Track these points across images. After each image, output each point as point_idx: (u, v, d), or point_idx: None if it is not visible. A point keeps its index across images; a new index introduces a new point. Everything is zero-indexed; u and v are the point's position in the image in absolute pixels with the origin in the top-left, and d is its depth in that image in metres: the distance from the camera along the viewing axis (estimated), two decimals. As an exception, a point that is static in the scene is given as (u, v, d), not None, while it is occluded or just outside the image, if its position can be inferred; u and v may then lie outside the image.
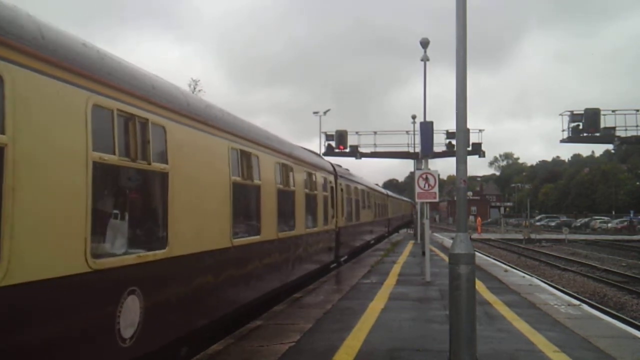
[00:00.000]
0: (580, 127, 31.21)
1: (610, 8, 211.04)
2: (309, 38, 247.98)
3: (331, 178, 16.48)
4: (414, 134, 34.13)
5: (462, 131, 6.89)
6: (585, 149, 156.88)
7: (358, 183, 23.07)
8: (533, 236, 49.28)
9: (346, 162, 56.64)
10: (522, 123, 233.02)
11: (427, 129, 17.26)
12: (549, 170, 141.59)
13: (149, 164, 5.76)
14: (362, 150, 35.26)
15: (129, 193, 5.84)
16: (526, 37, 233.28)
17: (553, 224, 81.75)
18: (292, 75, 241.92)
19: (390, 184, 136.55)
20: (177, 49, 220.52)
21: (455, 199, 7.89)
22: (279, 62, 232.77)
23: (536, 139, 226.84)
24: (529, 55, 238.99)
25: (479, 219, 69.11)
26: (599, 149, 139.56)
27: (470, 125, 28.58)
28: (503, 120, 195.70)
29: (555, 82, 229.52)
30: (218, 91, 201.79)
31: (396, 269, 18.06)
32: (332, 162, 25.87)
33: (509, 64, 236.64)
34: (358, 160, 35.56)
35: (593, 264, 26.95)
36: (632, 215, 72.75)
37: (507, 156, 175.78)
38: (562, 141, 32.80)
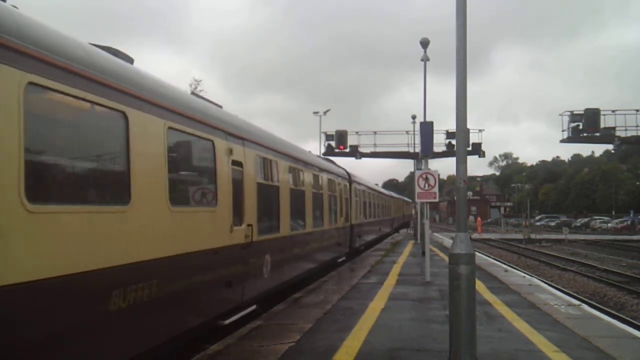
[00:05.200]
0: (580, 127, 31.22)
1: (571, 25, 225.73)
2: (297, 49, 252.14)
3: None
4: (414, 134, 34.13)
5: (462, 131, 6.89)
6: (585, 149, 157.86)
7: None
8: (533, 236, 49.26)
9: (346, 162, 56.49)
10: (510, 127, 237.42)
11: (427, 129, 17.26)
12: (549, 170, 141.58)
13: None
14: (362, 150, 35.27)
15: None
16: (502, 49, 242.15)
17: (553, 224, 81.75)
18: (283, 83, 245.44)
19: (390, 184, 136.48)
20: (177, 60, 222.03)
21: (455, 199, 7.89)
22: (270, 71, 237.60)
23: (527, 142, 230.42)
24: (507, 66, 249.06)
25: (479, 219, 69.04)
26: (599, 149, 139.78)
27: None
28: (491, 125, 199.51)
29: (537, 90, 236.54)
30: (216, 96, 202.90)
31: (396, 269, 18.05)
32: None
33: (489, 74, 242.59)
34: (358, 160, 35.59)
35: (593, 264, 26.94)
36: (632, 215, 72.77)
37: (507, 156, 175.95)
38: (562, 141, 32.84)
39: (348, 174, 21.16)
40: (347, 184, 20.40)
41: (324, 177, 16.01)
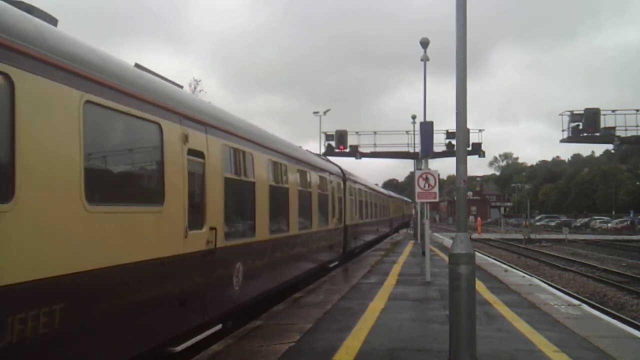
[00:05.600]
0: (580, 127, 31.22)
1: (570, 26, 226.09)
2: (297, 49, 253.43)
3: None
4: (414, 134, 34.14)
5: (462, 131, 6.90)
6: (585, 149, 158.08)
7: None
8: (533, 236, 49.29)
9: (346, 162, 56.28)
10: (510, 127, 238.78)
11: (427, 129, 17.24)
12: (549, 170, 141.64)
13: None
14: (362, 150, 35.26)
15: None
16: (501, 50, 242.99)
17: (553, 224, 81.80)
18: (283, 83, 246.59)
19: (390, 184, 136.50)
20: (177, 60, 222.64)
21: (455, 199, 7.89)
22: (270, 71, 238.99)
23: (527, 142, 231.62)
24: (507, 66, 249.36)
25: (479, 219, 69.09)
26: (599, 149, 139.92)
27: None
28: (490, 125, 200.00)
29: (537, 90, 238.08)
30: (215, 97, 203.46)
31: (396, 269, 18.06)
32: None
33: (488, 74, 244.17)
34: (358, 160, 35.59)
35: (593, 264, 26.95)
36: (632, 215, 72.80)
37: (507, 156, 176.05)
38: (562, 141, 32.83)
39: (342, 171, 19.74)
40: (341, 182, 18.87)
41: (313, 174, 14.26)
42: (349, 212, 19.87)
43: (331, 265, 17.14)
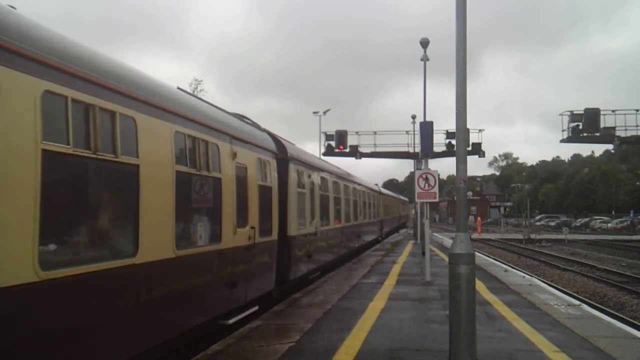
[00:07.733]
0: (580, 127, 31.22)
1: (554, 34, 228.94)
2: (290, 54, 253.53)
3: None
4: (414, 134, 34.09)
5: (462, 131, 6.89)
6: (585, 149, 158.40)
7: None
8: (533, 236, 49.29)
9: (346, 162, 55.91)
10: (506, 129, 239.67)
11: (427, 129, 17.22)
12: (549, 170, 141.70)
13: None
14: (362, 150, 35.19)
15: None
16: (495, 54, 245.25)
17: (553, 224, 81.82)
18: (280, 87, 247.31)
19: (390, 184, 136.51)
20: (176, 65, 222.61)
21: (455, 199, 7.90)
22: (266, 75, 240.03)
23: (524, 143, 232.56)
24: (496, 71, 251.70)
25: (479, 219, 69.10)
26: (599, 149, 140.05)
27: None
28: (487, 127, 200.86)
29: (533, 93, 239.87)
30: (216, 98, 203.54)
31: (396, 268, 18.06)
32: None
33: (482, 77, 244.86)
34: (358, 160, 35.53)
35: (593, 264, 26.95)
36: (632, 215, 72.83)
37: (507, 156, 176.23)
38: (562, 141, 32.80)
39: (282, 145, 11.96)
40: (274, 163, 10.88)
41: (166, 130, 6.43)
42: (295, 215, 12.34)
43: (231, 322, 8.34)
